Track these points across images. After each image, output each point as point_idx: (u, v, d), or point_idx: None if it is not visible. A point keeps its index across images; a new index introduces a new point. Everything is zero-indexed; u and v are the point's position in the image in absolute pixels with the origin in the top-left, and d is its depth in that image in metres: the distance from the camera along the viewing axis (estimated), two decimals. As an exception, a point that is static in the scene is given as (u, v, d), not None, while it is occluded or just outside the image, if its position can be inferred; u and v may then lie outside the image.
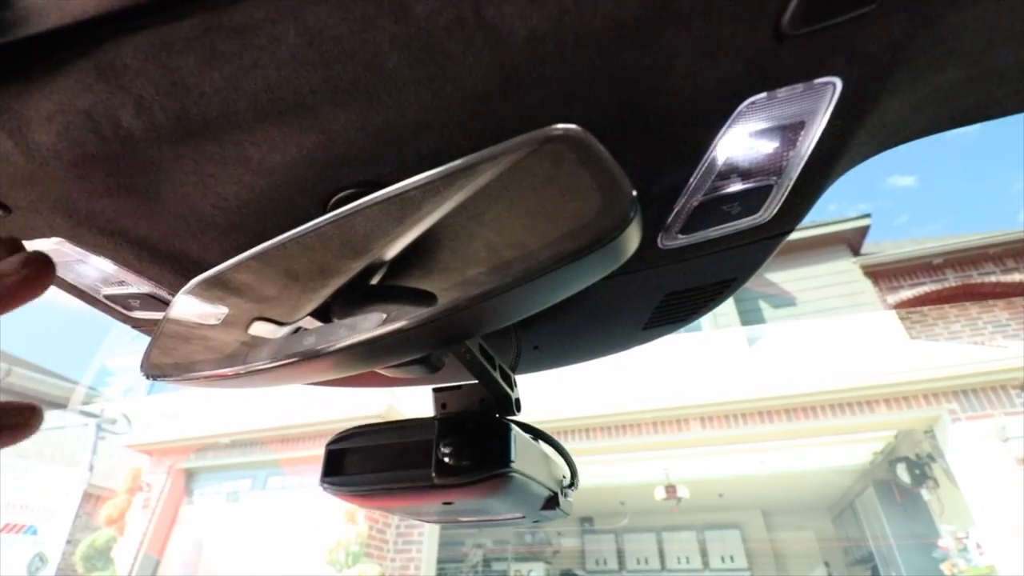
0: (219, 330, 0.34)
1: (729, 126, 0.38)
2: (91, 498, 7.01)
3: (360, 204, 0.29)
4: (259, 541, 5.91)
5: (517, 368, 0.54)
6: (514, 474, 0.36)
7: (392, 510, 0.43)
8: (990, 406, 4.57)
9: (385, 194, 0.28)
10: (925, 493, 5.25)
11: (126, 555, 5.98)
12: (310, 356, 0.30)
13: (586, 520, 8.68)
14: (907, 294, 6.15)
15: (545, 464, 0.45)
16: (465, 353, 0.40)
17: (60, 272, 0.48)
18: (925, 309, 6.13)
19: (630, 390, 5.78)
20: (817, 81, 0.35)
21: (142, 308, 0.53)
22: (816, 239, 6.76)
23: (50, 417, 7.15)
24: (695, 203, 0.43)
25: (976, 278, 6.05)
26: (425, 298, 0.28)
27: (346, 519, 5.28)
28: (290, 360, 0.30)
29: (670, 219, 0.44)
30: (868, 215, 6.49)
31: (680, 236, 0.45)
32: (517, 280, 0.26)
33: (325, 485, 0.40)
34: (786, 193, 0.44)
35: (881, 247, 6.90)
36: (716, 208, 0.44)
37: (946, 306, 5.99)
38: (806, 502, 7.76)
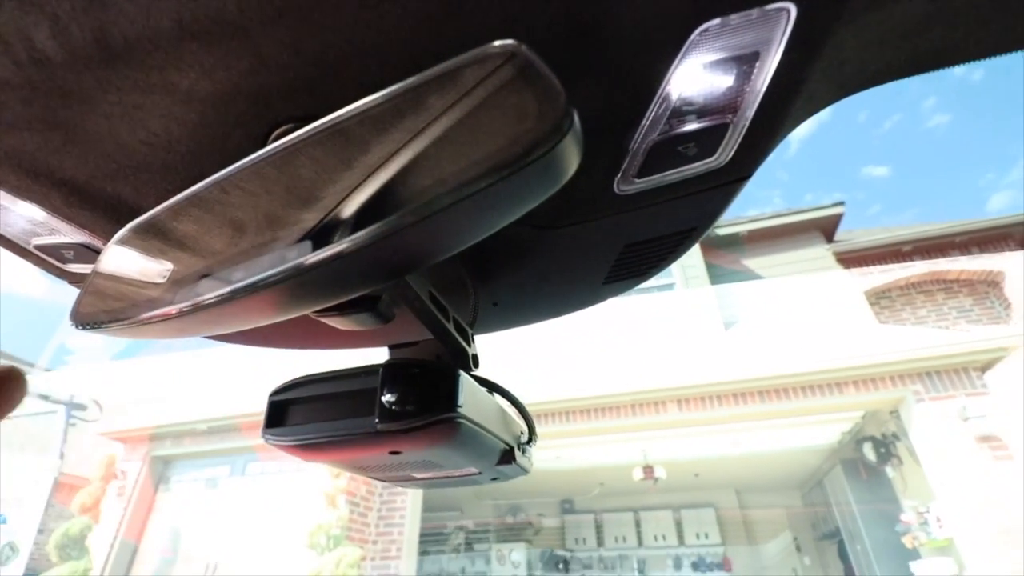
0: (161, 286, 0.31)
1: (683, 57, 0.37)
2: (64, 487, 6.88)
3: (297, 136, 0.27)
4: (239, 526, 5.89)
5: (476, 325, 0.52)
6: (461, 420, 0.36)
7: (339, 463, 0.41)
8: (952, 387, 4.75)
9: (323, 123, 0.27)
10: (889, 471, 5.46)
11: (102, 543, 5.91)
12: (249, 289, 0.28)
13: (566, 501, 8.83)
14: (877, 280, 6.32)
15: (500, 417, 0.44)
16: (414, 300, 0.39)
17: None
18: (893, 295, 6.32)
19: (608, 373, 5.86)
20: (770, 7, 0.34)
21: (77, 260, 0.50)
22: (791, 226, 6.89)
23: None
24: (650, 143, 0.42)
25: (943, 265, 6.25)
26: (363, 224, 0.27)
27: (327, 503, 5.29)
28: (230, 293, 0.28)
29: (626, 162, 0.43)
30: (842, 203, 6.63)
31: (636, 181, 0.44)
32: (454, 198, 0.25)
33: (267, 436, 0.38)
34: (742, 134, 0.42)
35: (853, 235, 7.07)
36: (672, 149, 0.42)
37: (913, 292, 6.19)
38: (777, 481, 8.02)
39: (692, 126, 0.42)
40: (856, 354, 5.08)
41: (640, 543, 8.39)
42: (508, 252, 0.49)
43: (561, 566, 8.35)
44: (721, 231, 7.47)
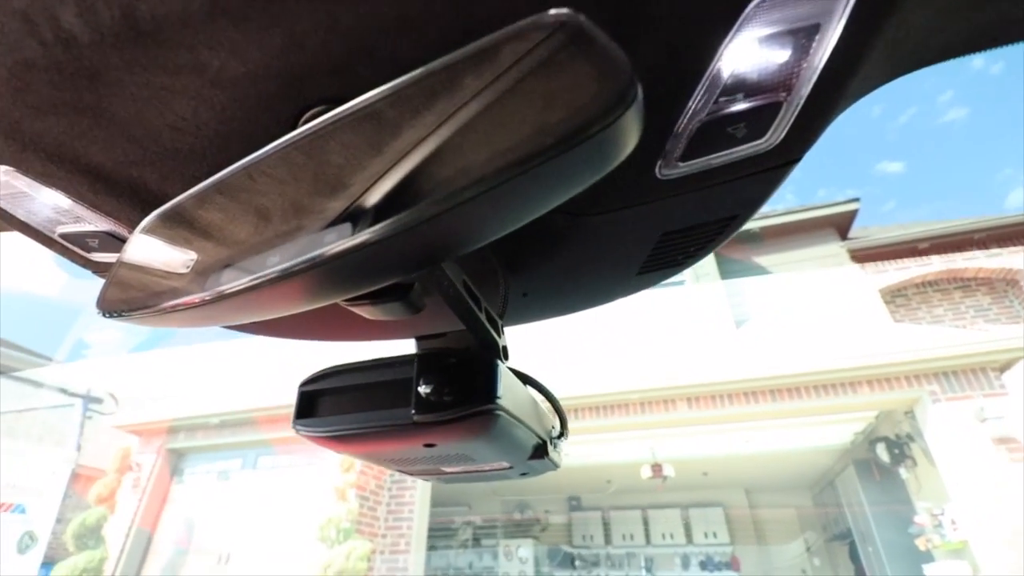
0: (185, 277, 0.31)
1: (737, 30, 0.34)
2: (80, 478, 6.99)
3: (328, 118, 0.26)
4: (250, 519, 5.95)
5: (505, 316, 0.50)
6: (500, 412, 0.34)
7: (371, 456, 0.40)
8: (970, 388, 4.68)
9: (356, 104, 0.25)
10: (903, 472, 5.39)
11: (117, 533, 6.00)
12: (276, 278, 0.27)
13: (573, 498, 8.83)
14: (893, 278, 6.23)
15: (533, 409, 0.43)
16: (448, 287, 0.37)
17: (10, 207, 0.44)
18: (909, 293, 6.23)
19: (617, 371, 5.84)
20: None
21: (102, 249, 0.49)
22: (805, 223, 6.81)
23: (36, 396, 7.08)
24: (697, 124, 0.39)
25: (961, 263, 6.15)
26: (391, 212, 0.25)
27: (337, 496, 5.32)
28: (254, 282, 0.27)
29: (669, 143, 0.40)
30: (857, 199, 6.54)
31: (680, 164, 0.41)
32: (498, 178, 0.23)
33: (298, 427, 0.37)
34: (795, 113, 0.40)
35: (868, 232, 6.97)
36: (720, 130, 0.40)
37: (929, 290, 6.09)
38: (788, 481, 7.95)
39: (743, 105, 0.39)
40: (871, 353, 5.01)
41: (648, 541, 8.37)
42: (541, 240, 0.47)
43: (568, 563, 8.36)
44: (733, 228, 7.41)
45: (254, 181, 0.28)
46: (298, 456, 6.18)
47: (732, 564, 7.88)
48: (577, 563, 8.41)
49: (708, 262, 7.03)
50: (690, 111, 0.39)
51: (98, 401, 6.84)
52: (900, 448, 5.38)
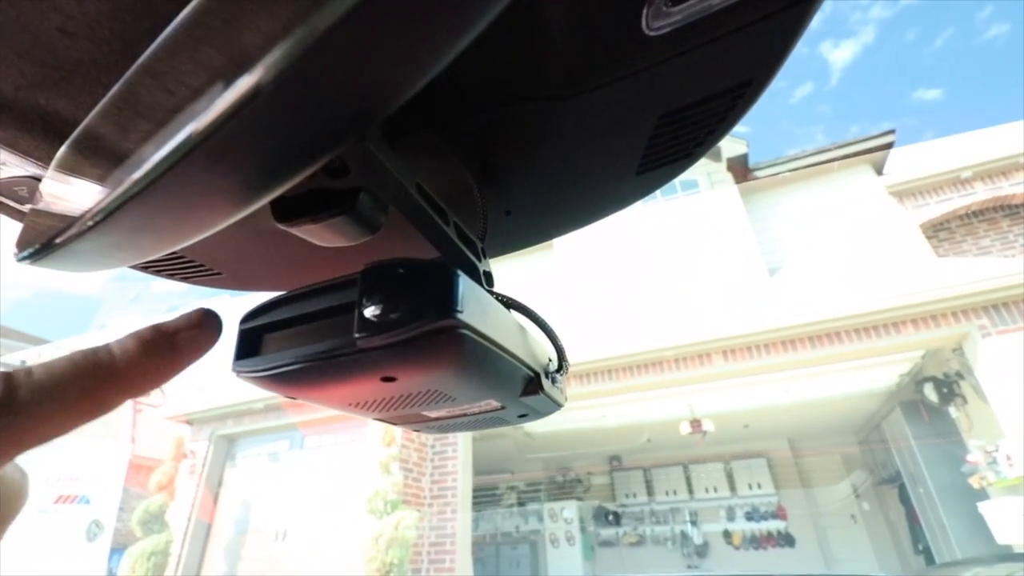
0: None
1: None
2: (141, 468, 7.36)
3: None
4: (301, 497, 6.18)
5: (488, 239, 0.43)
6: (464, 331, 0.27)
7: (329, 398, 0.32)
8: (1022, 319, 4.45)
9: None
10: (953, 411, 5.22)
11: (179, 517, 6.32)
12: (164, 169, 0.21)
13: (614, 458, 8.89)
14: (934, 211, 5.93)
15: (520, 337, 0.35)
16: (396, 193, 0.31)
17: None
18: (952, 226, 5.92)
19: (651, 329, 5.77)
20: None
21: (33, 198, 0.40)
22: (837, 161, 6.51)
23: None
24: None
25: (1007, 189, 5.80)
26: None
27: (381, 470, 5.47)
28: (141, 182, 0.22)
29: None
30: (892, 131, 6.20)
31: (672, 10, 0.32)
32: None
33: (237, 369, 0.30)
34: None
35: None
36: None
37: (975, 220, 5.78)
38: (832, 428, 7.82)
39: None
40: (913, 291, 4.81)
41: (691, 495, 8.40)
42: (517, 142, 0.39)
43: (613, 520, 8.48)
44: (760, 173, 7.13)
45: (157, 80, 0.22)
46: (342, 435, 6.36)
47: (779, 513, 7.86)
48: (623, 520, 8.52)
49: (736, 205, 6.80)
50: None
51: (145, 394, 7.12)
52: (949, 387, 5.20)
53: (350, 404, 0.33)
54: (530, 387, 0.36)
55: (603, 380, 5.66)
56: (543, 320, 0.40)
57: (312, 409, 6.29)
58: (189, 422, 6.95)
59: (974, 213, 5.91)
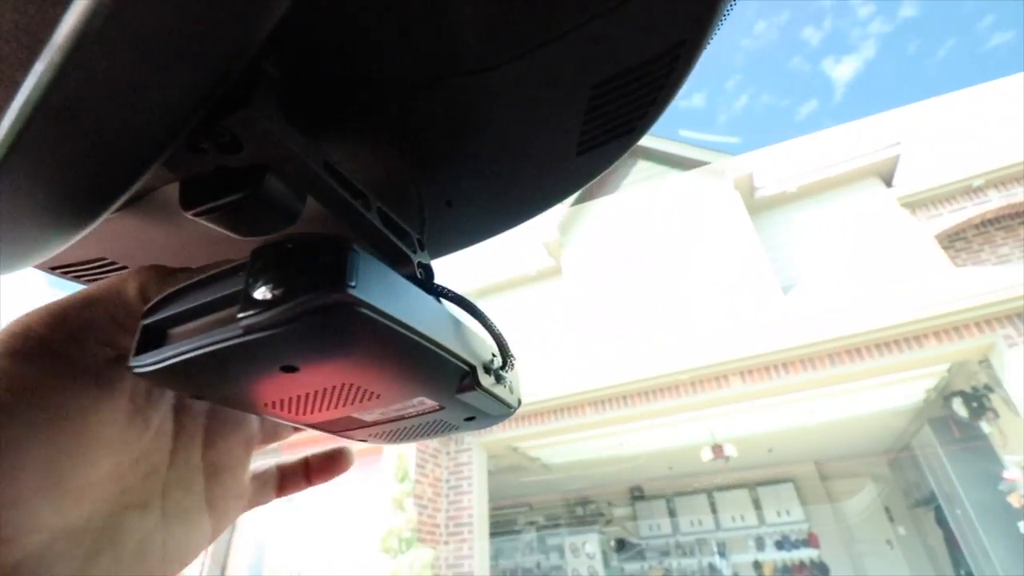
0: None
1: None
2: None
3: None
4: (315, 536, 6.07)
5: (431, 233, 0.40)
6: (362, 309, 0.24)
7: (235, 399, 0.29)
8: (1049, 327, 4.31)
9: None
10: (985, 425, 5.02)
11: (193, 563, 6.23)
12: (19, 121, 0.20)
13: (635, 488, 8.65)
14: (948, 221, 5.83)
15: (451, 328, 0.32)
16: (300, 171, 0.28)
17: None
18: (968, 235, 5.81)
19: (665, 352, 5.68)
20: None
21: None
22: (844, 175, 6.47)
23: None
24: None
25: (1022, 196, 5.69)
26: None
27: (394, 507, 5.36)
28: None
29: None
30: (898, 143, 6.16)
31: None
32: None
33: (132, 367, 0.27)
34: None
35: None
36: None
37: (991, 228, 5.67)
38: (860, 448, 7.55)
39: None
40: (933, 302, 4.69)
41: (718, 525, 8.10)
42: (447, 124, 0.37)
43: (638, 554, 8.19)
44: (767, 192, 7.10)
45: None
46: (354, 472, 6.22)
47: (810, 541, 7.53)
48: (647, 553, 8.23)
49: (745, 222, 6.76)
50: None
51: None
52: (978, 400, 5.01)
53: (265, 404, 0.30)
54: (465, 383, 0.32)
55: (618, 406, 5.54)
56: (482, 312, 0.36)
57: (326, 444, 6.22)
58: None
59: (990, 221, 5.80)
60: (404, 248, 0.35)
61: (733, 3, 0.32)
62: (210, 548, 5.58)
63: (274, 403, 0.29)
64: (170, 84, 0.22)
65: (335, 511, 6.13)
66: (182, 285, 0.28)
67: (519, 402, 0.38)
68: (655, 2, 0.31)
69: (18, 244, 0.27)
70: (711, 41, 0.34)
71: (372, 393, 0.29)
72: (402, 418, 0.34)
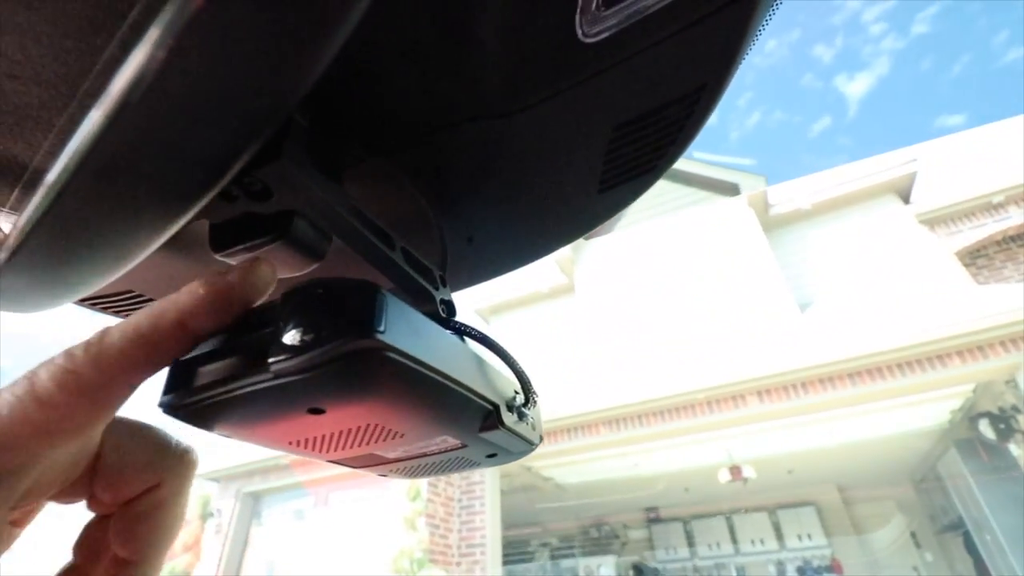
0: None
1: None
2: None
3: None
4: (327, 556, 6.02)
5: (452, 269, 0.41)
6: (389, 353, 0.24)
7: (260, 437, 0.29)
8: (1077, 346, 4.19)
9: None
10: (1013, 448, 4.86)
11: (205, 579, 6.22)
12: (68, 174, 0.21)
13: (651, 510, 8.48)
14: (969, 237, 5.73)
15: (475, 367, 0.32)
16: (326, 214, 0.28)
17: None
18: (990, 252, 5.70)
19: (681, 371, 5.61)
20: None
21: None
22: (860, 192, 6.41)
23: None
24: None
25: (1044, 211, 5.59)
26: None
27: (406, 527, 5.31)
28: (50, 194, 0.22)
29: None
30: (915, 159, 6.10)
31: (605, 13, 0.30)
32: None
33: (161, 406, 0.27)
34: None
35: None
36: None
37: (1013, 245, 5.56)
38: (883, 471, 7.34)
39: None
40: (956, 321, 4.58)
41: (736, 549, 7.90)
42: (470, 165, 0.38)
43: (654, 578, 8.00)
44: (782, 210, 7.05)
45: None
46: (367, 490, 6.24)
47: (833, 567, 7.30)
48: (663, 578, 8.04)
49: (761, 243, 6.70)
50: None
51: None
52: (1006, 422, 4.86)
53: (290, 443, 0.30)
54: (488, 422, 0.32)
55: (633, 426, 5.47)
56: (505, 350, 0.36)
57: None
58: (216, 479, 6.93)
59: (1012, 238, 5.69)
60: (427, 286, 0.36)
61: (751, 47, 0.33)
62: (222, 566, 5.55)
63: (299, 442, 0.29)
64: (209, 142, 0.23)
65: (346, 530, 6.09)
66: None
67: (541, 439, 0.38)
68: (673, 49, 0.32)
69: (63, 284, 0.28)
70: (731, 83, 0.35)
71: (396, 433, 0.30)
72: (424, 455, 0.34)
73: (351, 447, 0.31)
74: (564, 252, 7.81)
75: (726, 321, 6.31)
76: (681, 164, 7.93)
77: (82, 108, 0.22)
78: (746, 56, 0.35)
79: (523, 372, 0.37)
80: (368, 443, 0.31)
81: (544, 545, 8.65)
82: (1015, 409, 4.77)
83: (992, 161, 6.33)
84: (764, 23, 0.34)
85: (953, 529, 6.41)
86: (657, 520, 8.48)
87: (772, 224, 7.00)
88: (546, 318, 8.09)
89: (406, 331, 0.25)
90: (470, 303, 8.26)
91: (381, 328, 0.24)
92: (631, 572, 8.03)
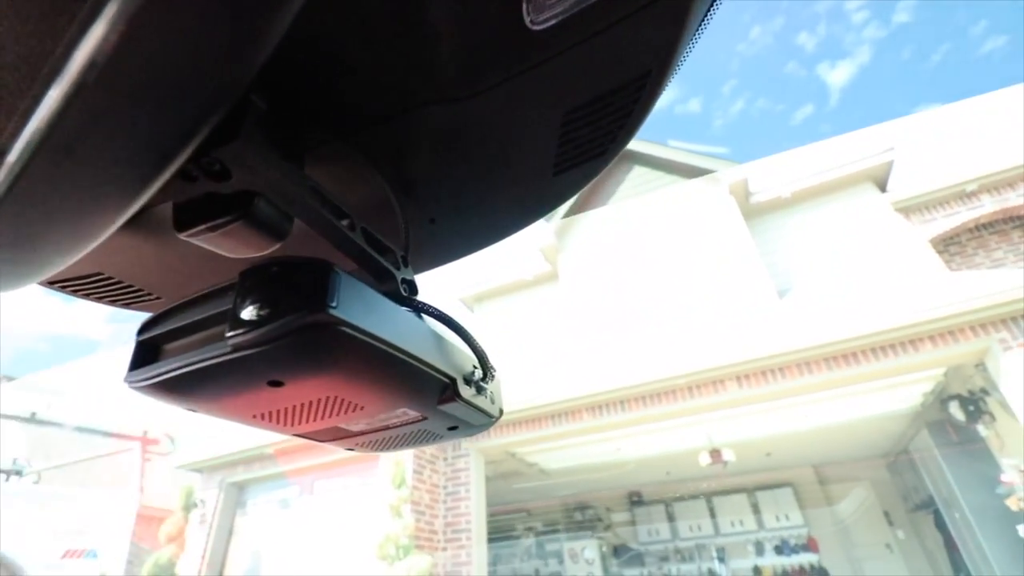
0: None
1: None
2: (151, 520, 7.27)
3: None
4: (312, 544, 6.04)
5: (415, 250, 0.43)
6: (341, 327, 0.25)
7: (224, 410, 0.31)
8: (1043, 330, 4.33)
9: None
10: (982, 429, 5.02)
11: (190, 569, 6.19)
12: (29, 152, 0.21)
13: (634, 493, 8.63)
14: (942, 225, 5.86)
15: (432, 343, 0.34)
16: (289, 194, 0.29)
17: None
18: (963, 239, 5.84)
19: (662, 356, 5.68)
20: None
21: None
22: (838, 180, 6.50)
23: (95, 443, 7.41)
24: None
25: (1014, 201, 5.72)
26: None
27: (392, 513, 5.34)
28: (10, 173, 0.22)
29: None
30: (892, 148, 6.20)
31: (551, 1, 0.32)
32: None
33: (128, 382, 0.29)
34: None
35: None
36: None
37: (985, 233, 5.70)
38: (858, 452, 7.55)
39: None
40: (929, 307, 4.70)
41: (717, 530, 8.08)
42: (428, 148, 0.39)
43: (636, 560, 8.16)
44: (761, 198, 7.13)
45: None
46: (352, 478, 6.26)
47: (809, 545, 7.52)
48: (646, 559, 8.20)
49: (743, 235, 6.78)
50: None
51: (154, 443, 7.10)
52: (975, 404, 5.02)
53: (254, 416, 0.32)
54: (446, 395, 0.34)
55: (615, 411, 5.54)
56: (463, 328, 0.39)
57: (321, 452, 6.22)
58: (199, 470, 6.88)
59: (984, 226, 5.83)
60: (387, 265, 0.37)
61: (696, 39, 0.35)
62: (207, 556, 5.51)
63: (262, 415, 0.31)
64: (164, 120, 0.24)
65: (332, 518, 6.10)
66: (176, 304, 0.30)
67: (501, 412, 0.40)
68: (617, 36, 0.33)
69: (26, 263, 0.29)
70: (676, 72, 0.36)
71: (356, 405, 0.31)
72: (387, 428, 0.36)
73: (314, 420, 0.33)
74: (548, 240, 7.82)
75: (707, 307, 6.40)
76: (659, 151, 7.95)
77: (44, 90, 0.23)
78: (693, 44, 0.36)
79: (481, 348, 0.39)
80: (330, 416, 0.33)
81: (529, 529, 8.76)
82: (984, 392, 4.93)
83: (965, 140, 6.47)
84: (707, 14, 0.35)
85: (924, 508, 6.63)
86: (639, 503, 8.63)
87: (752, 212, 7.08)
88: (530, 306, 8.12)
89: (359, 307, 0.27)
90: (454, 292, 8.25)
91: (333, 303, 0.25)
92: (613, 552, 8.19)
